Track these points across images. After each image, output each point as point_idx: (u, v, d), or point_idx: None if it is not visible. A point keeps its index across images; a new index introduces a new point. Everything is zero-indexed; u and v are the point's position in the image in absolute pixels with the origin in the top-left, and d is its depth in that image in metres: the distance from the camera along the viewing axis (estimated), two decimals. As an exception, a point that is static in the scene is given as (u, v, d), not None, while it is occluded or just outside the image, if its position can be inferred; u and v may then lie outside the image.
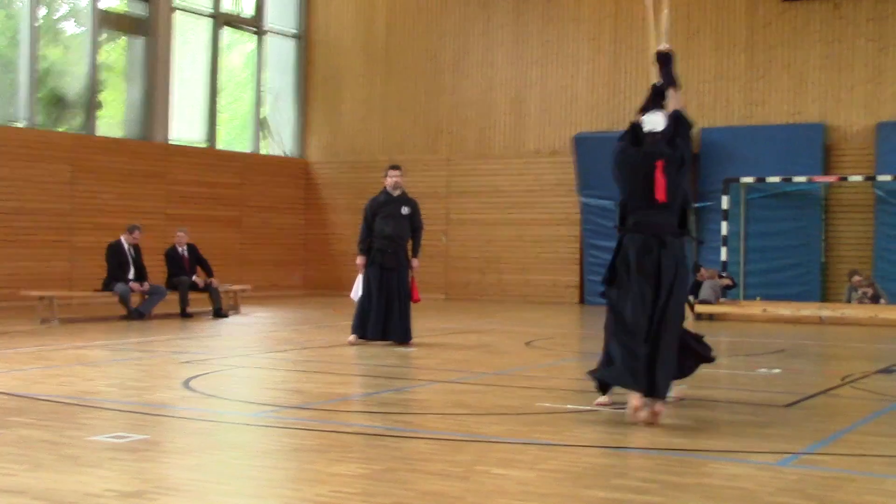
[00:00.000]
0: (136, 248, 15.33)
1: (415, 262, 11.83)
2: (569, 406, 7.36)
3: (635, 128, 6.97)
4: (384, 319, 11.48)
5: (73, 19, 19.94)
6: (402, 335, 11.52)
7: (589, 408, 7.21)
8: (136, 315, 14.81)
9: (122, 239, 15.23)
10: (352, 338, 11.54)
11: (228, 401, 7.70)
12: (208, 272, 16.04)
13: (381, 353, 10.80)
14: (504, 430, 6.41)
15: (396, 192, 11.71)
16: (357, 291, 11.59)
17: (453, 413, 6.99)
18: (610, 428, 6.50)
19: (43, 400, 7.31)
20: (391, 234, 11.57)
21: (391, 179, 11.66)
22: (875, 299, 16.43)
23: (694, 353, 7.23)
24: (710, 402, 7.55)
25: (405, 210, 11.70)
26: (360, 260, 11.56)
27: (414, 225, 11.77)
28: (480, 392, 8.10)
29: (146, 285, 15.16)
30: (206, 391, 7.95)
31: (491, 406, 7.33)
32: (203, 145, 21.35)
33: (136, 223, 15.84)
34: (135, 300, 15.13)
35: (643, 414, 6.47)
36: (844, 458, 5.75)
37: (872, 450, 5.97)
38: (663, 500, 4.70)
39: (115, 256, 15.08)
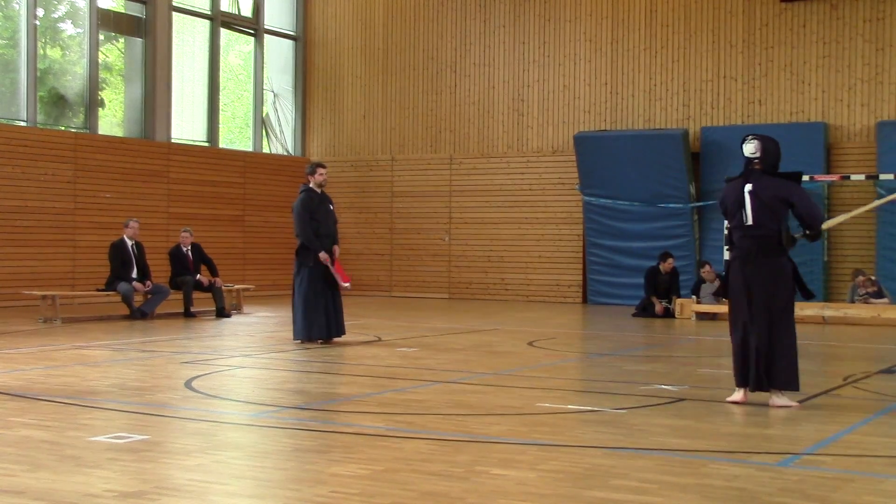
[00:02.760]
0: (138, 246, 15.31)
1: (337, 250, 11.95)
2: (570, 406, 7.37)
3: None
4: (336, 316, 11.62)
5: (71, 20, 19.95)
6: (341, 329, 11.70)
7: (590, 408, 7.21)
8: (139, 314, 14.79)
9: (125, 237, 15.22)
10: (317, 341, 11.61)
11: (229, 401, 7.70)
12: (213, 272, 16.02)
13: (382, 353, 10.81)
14: (504, 430, 6.41)
15: (320, 190, 11.77)
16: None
17: (454, 413, 6.99)
18: (610, 428, 6.50)
19: (44, 400, 7.32)
20: (328, 232, 11.75)
21: (320, 177, 11.76)
22: (878, 295, 16.38)
23: None
24: (710, 403, 7.55)
25: (331, 207, 11.90)
26: (325, 255, 11.59)
27: (335, 219, 11.96)
28: (481, 392, 8.10)
29: (149, 284, 15.15)
30: (208, 391, 7.96)
31: (491, 406, 7.33)
32: (204, 144, 21.36)
33: (131, 217, 15.90)
34: (138, 299, 15.12)
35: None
36: (844, 458, 5.75)
37: (872, 450, 5.96)
38: (663, 500, 4.70)
39: (118, 255, 15.03)
